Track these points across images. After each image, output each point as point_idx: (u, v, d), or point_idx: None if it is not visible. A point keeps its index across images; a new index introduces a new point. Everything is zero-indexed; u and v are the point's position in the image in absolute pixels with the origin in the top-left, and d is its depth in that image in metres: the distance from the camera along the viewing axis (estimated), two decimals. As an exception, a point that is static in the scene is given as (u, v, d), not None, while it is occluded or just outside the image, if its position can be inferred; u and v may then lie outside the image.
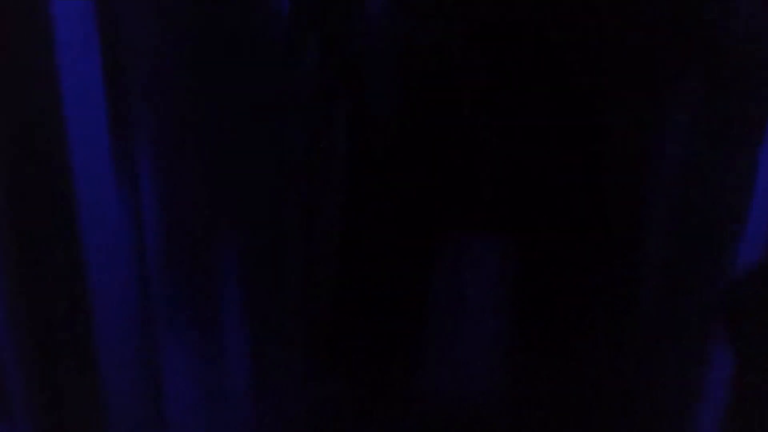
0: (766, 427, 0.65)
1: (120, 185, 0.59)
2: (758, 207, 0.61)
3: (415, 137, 0.69)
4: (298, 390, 0.83)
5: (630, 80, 0.61)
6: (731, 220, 0.56)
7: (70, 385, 0.70)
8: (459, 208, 0.77)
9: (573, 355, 0.79)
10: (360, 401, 0.86)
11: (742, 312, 0.58)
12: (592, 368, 0.79)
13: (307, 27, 0.57)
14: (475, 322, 0.81)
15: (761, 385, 0.61)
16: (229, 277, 0.76)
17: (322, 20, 0.57)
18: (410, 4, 0.57)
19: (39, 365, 0.72)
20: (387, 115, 0.68)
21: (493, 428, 0.84)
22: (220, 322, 0.78)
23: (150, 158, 0.56)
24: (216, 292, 0.75)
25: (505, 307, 0.81)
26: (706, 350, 0.61)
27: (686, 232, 0.64)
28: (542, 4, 0.54)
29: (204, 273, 0.73)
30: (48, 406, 0.74)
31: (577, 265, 0.72)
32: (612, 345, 0.75)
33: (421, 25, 0.59)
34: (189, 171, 0.62)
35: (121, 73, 0.51)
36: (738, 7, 0.59)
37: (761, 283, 0.61)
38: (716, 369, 0.59)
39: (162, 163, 0.56)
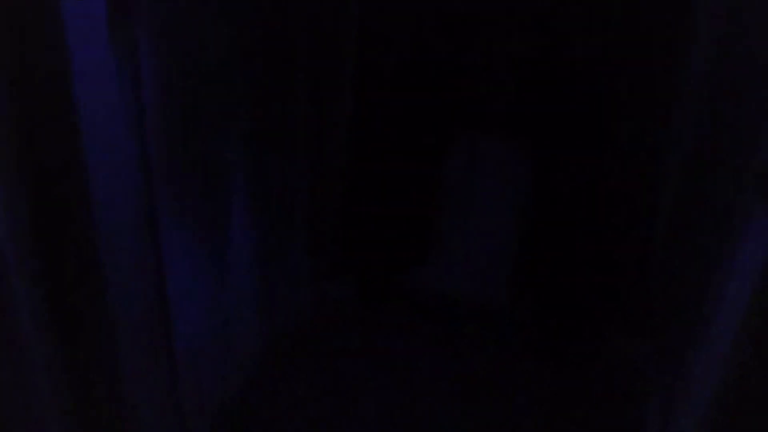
0: None
1: (117, 55, 0.58)
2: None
3: (430, 25, 0.68)
4: (305, 287, 0.85)
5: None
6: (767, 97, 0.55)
7: (73, 282, 0.71)
8: (473, 104, 0.78)
9: (591, 253, 0.80)
10: (368, 298, 0.87)
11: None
12: (614, 265, 0.80)
13: None
14: (484, 222, 0.81)
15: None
16: (233, 167, 0.76)
17: None
18: None
19: (39, 252, 0.72)
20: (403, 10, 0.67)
21: (499, 327, 0.86)
22: (225, 214, 0.78)
23: (149, 25, 0.55)
24: (220, 182, 0.75)
25: (515, 207, 0.82)
26: (744, 222, 0.62)
27: (721, 109, 0.64)
28: None
29: (205, 156, 0.73)
30: (52, 297, 0.74)
31: (598, 153, 0.72)
32: (638, 227, 0.76)
33: None
34: (189, 40, 0.61)
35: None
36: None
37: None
38: (752, 241, 0.59)
39: (162, 28, 0.56)
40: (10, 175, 0.75)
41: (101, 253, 0.80)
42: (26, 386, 0.86)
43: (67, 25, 0.61)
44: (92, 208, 0.78)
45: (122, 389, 0.89)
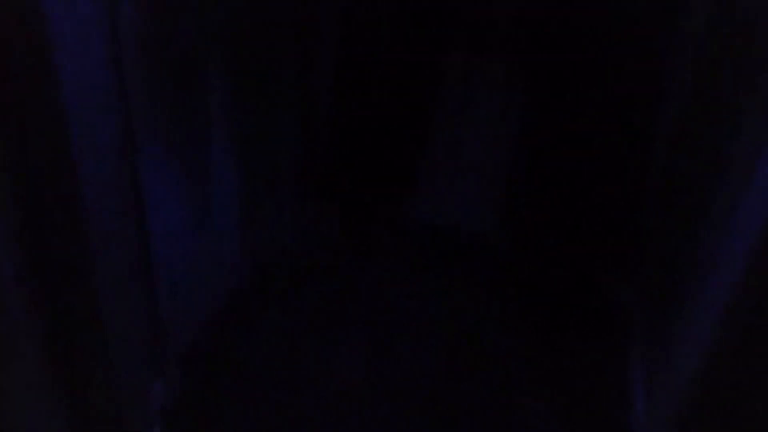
0: None
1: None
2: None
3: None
4: (290, 215, 0.83)
5: None
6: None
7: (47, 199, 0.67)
8: (466, 30, 0.74)
9: (583, 188, 0.79)
10: (353, 226, 0.86)
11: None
12: (607, 200, 0.79)
13: None
14: (475, 153, 0.79)
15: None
16: (217, 92, 0.72)
17: None
18: None
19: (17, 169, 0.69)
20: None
21: (487, 261, 0.85)
22: (209, 139, 0.74)
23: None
24: (204, 107, 0.71)
25: (507, 138, 0.80)
26: (747, 162, 0.61)
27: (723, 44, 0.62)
28: None
29: (188, 82, 0.69)
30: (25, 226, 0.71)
31: (593, 86, 0.70)
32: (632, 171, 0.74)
33: None
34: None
35: None
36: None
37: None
38: (757, 181, 0.59)
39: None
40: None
41: (74, 154, 0.77)
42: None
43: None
44: (69, 131, 0.74)
45: (101, 316, 0.87)
